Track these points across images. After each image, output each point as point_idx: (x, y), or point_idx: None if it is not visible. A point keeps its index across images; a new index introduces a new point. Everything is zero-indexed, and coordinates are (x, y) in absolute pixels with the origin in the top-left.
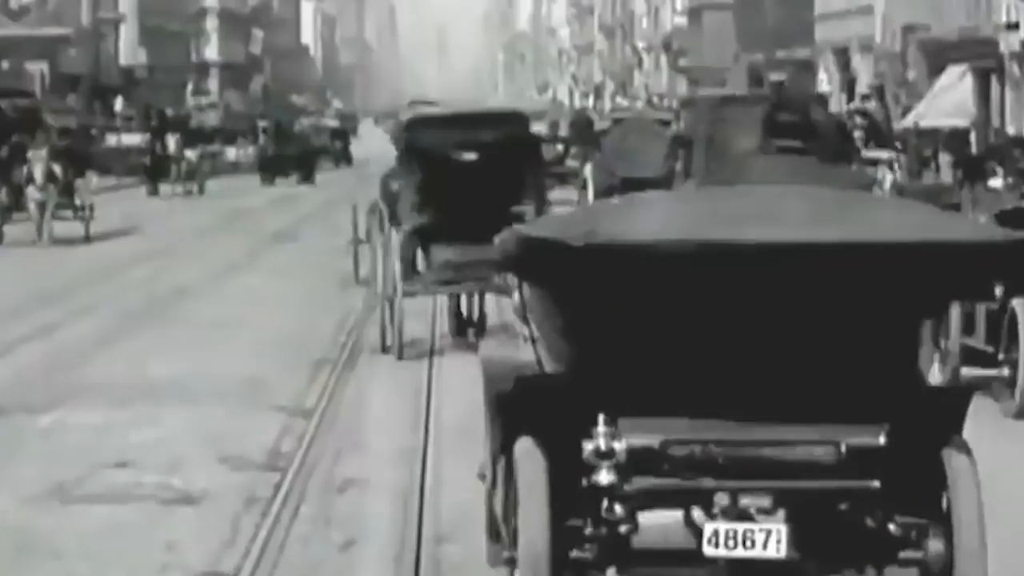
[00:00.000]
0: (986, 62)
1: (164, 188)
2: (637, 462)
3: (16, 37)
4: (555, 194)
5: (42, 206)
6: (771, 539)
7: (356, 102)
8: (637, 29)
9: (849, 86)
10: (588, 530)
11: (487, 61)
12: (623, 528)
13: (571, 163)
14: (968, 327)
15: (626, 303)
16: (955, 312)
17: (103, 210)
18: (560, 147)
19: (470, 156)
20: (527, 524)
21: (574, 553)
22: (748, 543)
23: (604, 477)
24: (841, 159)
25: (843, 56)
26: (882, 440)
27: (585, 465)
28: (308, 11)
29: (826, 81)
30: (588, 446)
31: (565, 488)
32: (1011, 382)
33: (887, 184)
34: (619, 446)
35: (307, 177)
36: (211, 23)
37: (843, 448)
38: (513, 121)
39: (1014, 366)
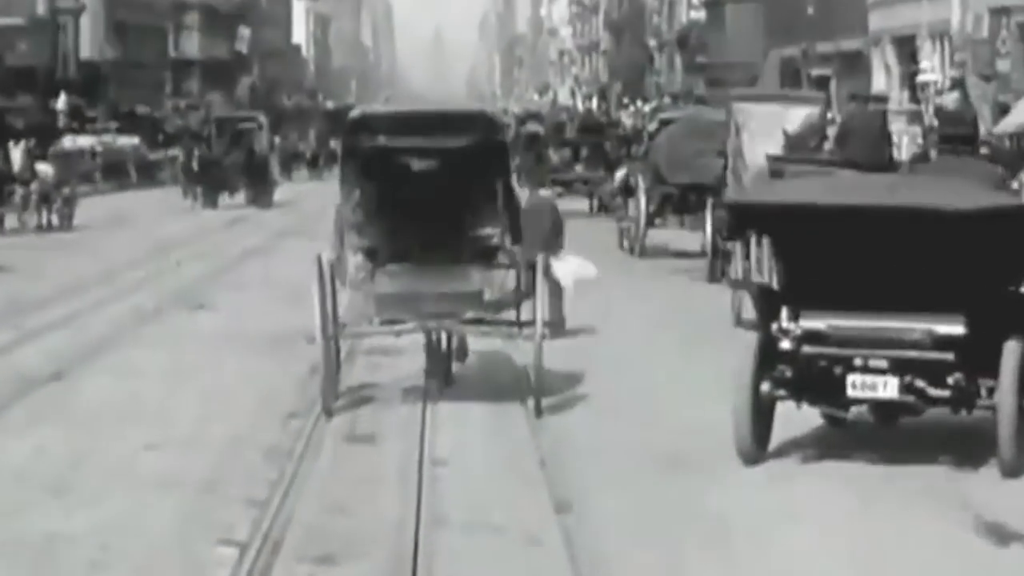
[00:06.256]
0: None
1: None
2: (810, 337)
3: None
4: (561, 204)
5: None
6: (888, 386)
7: (350, 104)
8: (648, 25)
9: (911, 80)
10: (781, 376)
11: (485, 63)
12: (798, 376)
13: (580, 170)
14: None
15: (801, 243)
16: None
17: None
18: (568, 152)
19: (425, 165)
20: (741, 372)
21: (776, 391)
22: (873, 388)
23: (786, 345)
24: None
25: (907, 46)
26: (961, 329)
27: (776, 338)
28: (300, 10)
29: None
30: (774, 327)
31: (767, 351)
32: None
33: None
34: (794, 327)
35: (258, 195)
36: (191, 18)
37: (932, 333)
38: (480, 124)
39: None
